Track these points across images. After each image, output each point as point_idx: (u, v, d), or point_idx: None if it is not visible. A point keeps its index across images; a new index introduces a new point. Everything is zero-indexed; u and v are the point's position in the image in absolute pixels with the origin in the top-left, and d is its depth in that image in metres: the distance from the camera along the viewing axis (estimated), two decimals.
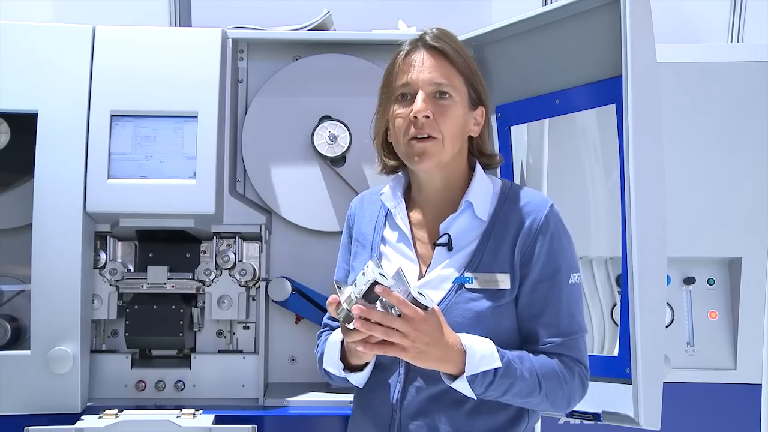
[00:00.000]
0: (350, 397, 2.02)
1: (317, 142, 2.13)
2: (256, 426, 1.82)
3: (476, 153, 1.52)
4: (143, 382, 2.06)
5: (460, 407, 1.39)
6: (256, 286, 2.12)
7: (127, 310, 2.05)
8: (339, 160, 2.16)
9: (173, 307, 2.06)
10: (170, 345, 2.12)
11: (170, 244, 2.13)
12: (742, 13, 2.49)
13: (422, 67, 1.42)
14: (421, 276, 1.45)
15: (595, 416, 1.73)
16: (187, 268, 2.10)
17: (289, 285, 2.10)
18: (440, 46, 1.43)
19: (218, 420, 1.84)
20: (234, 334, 2.15)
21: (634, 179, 1.66)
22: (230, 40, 2.12)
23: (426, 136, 1.40)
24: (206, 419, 1.84)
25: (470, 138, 1.49)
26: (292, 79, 2.20)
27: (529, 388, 1.35)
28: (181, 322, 2.05)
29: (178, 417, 1.83)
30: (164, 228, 2.02)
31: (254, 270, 2.11)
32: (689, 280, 2.28)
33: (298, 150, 2.18)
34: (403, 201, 1.52)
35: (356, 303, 1.24)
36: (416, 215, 1.51)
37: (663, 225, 1.72)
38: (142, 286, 2.06)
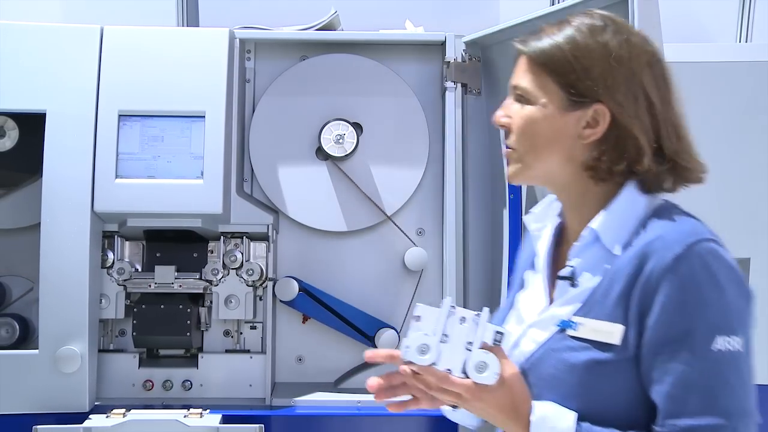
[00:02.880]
0: (357, 397, 2.04)
1: (324, 142, 2.13)
2: (263, 426, 1.82)
3: (595, 166, 1.16)
4: (151, 381, 2.07)
5: None
6: (264, 285, 2.12)
7: (135, 309, 2.06)
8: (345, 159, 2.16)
9: (180, 306, 2.06)
10: (178, 345, 2.12)
11: (178, 243, 2.13)
12: (751, 12, 2.48)
13: (515, 70, 1.23)
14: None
15: None
16: (195, 268, 2.11)
17: (296, 285, 2.11)
18: (522, 46, 1.21)
19: (225, 420, 1.84)
20: (241, 333, 2.15)
21: None
22: (237, 40, 2.12)
23: (507, 146, 1.23)
24: (213, 419, 1.84)
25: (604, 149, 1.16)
26: (300, 79, 2.20)
27: None
28: (188, 322, 2.05)
29: (185, 416, 1.83)
30: (172, 228, 2.02)
31: (261, 270, 2.11)
32: None
33: (306, 150, 2.18)
34: (555, 221, 1.29)
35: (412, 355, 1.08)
36: (566, 240, 1.26)
37: None
38: (150, 285, 2.06)
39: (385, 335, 2.10)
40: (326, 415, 1.99)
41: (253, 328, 2.16)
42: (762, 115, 2.19)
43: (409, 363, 1.09)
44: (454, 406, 1.19)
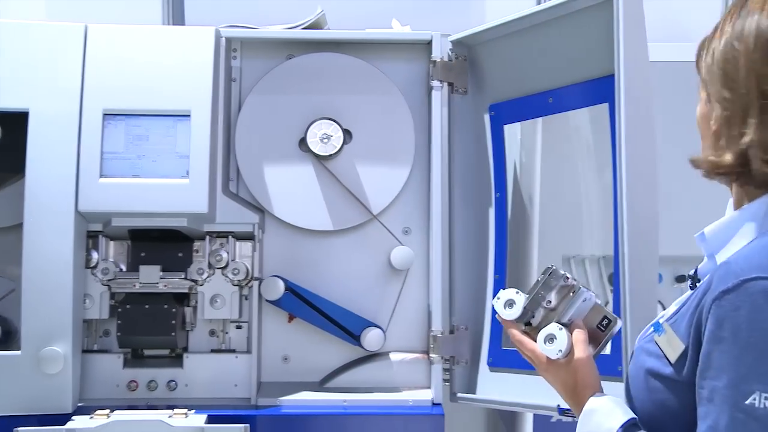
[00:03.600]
0: (344, 396, 2.04)
1: (310, 141, 2.13)
2: (248, 425, 1.82)
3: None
4: (135, 381, 2.06)
5: None
6: (249, 285, 2.11)
7: (119, 309, 2.04)
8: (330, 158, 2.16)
9: (165, 306, 2.05)
10: (162, 345, 2.10)
11: (163, 243, 2.11)
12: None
13: None
14: None
15: None
16: (180, 268, 2.09)
17: (282, 284, 2.10)
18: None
19: (210, 420, 1.83)
20: (227, 333, 2.14)
21: (626, 178, 1.67)
22: (224, 39, 2.11)
23: None
24: (198, 419, 1.83)
25: None
26: (286, 78, 2.19)
27: None
28: (173, 322, 2.04)
29: (170, 417, 1.82)
30: (157, 227, 2.01)
31: (247, 269, 2.10)
32: (681, 278, 2.29)
33: (292, 149, 2.17)
34: None
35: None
36: None
37: (655, 224, 1.72)
38: (135, 285, 2.05)
39: (371, 334, 2.10)
40: (312, 414, 1.99)
41: (239, 327, 2.15)
42: None
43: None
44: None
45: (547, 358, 1.14)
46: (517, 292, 1.20)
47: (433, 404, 2.05)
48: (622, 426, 1.06)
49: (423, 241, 2.19)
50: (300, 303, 2.13)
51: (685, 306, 1.05)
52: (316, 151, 2.12)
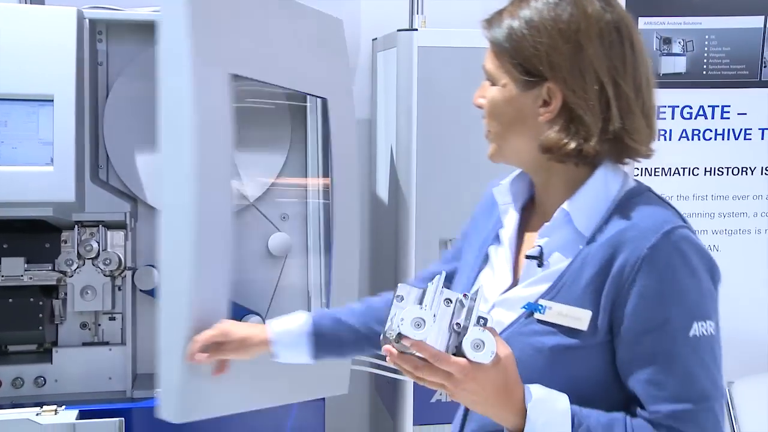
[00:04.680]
0: None
1: None
2: (123, 419, 1.78)
3: (549, 146, 1.13)
4: None
5: None
6: (122, 275, 2.06)
7: None
8: None
9: (32, 300, 1.97)
10: (29, 339, 2.03)
11: (27, 234, 2.02)
12: None
13: None
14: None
15: None
16: (47, 259, 2.02)
17: (157, 273, 2.05)
18: (484, 27, 1.20)
19: (83, 415, 1.78)
20: (99, 325, 2.08)
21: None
22: (87, 20, 2.03)
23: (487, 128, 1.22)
24: (70, 415, 1.77)
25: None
26: (156, 63, 2.13)
27: None
28: (40, 315, 1.97)
29: (38, 414, 1.76)
30: (20, 218, 1.93)
31: (120, 259, 2.04)
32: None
33: None
34: (522, 198, 1.26)
35: (398, 333, 0.99)
36: (536, 219, 1.23)
37: None
38: None
39: (251, 322, 2.09)
40: None
41: (112, 319, 2.09)
42: None
43: (397, 340, 1.00)
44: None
45: (472, 366, 1.00)
46: (422, 308, 1.01)
47: None
48: (568, 402, 1.06)
49: (301, 227, 2.19)
50: None
51: (568, 277, 1.11)
52: None
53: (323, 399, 2.03)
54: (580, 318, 1.08)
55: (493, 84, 1.17)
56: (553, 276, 1.13)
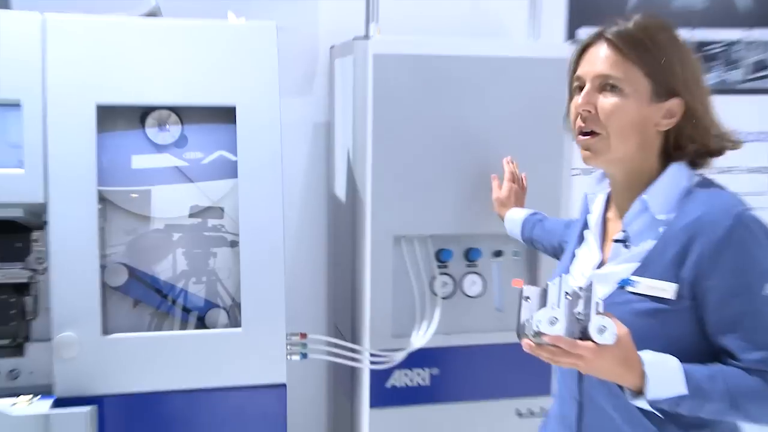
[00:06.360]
0: None
1: (148, 129, 2.17)
2: (97, 406, 1.85)
3: (671, 148, 1.42)
4: None
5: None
6: None
7: None
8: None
9: (4, 296, 2.04)
10: (2, 335, 2.08)
11: None
12: (538, 10, 2.71)
13: (594, 60, 1.39)
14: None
15: None
16: (18, 258, 2.08)
17: (126, 270, 2.13)
18: (615, 39, 1.37)
19: (58, 403, 1.85)
20: None
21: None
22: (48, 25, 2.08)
23: (590, 131, 1.40)
24: (44, 405, 1.84)
25: (669, 132, 1.41)
26: None
27: (723, 409, 1.31)
28: (12, 312, 2.04)
29: (12, 405, 1.82)
30: None
31: None
32: (498, 253, 2.55)
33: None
34: (609, 189, 1.54)
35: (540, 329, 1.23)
36: (614, 209, 1.53)
37: None
38: None
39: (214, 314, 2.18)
40: (162, 391, 2.03)
41: None
42: (551, 108, 2.42)
43: (535, 335, 1.24)
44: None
45: (599, 348, 1.22)
46: (553, 308, 1.24)
47: None
48: (682, 369, 1.29)
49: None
50: (144, 288, 2.18)
51: (654, 255, 1.36)
52: (155, 140, 2.17)
53: (284, 385, 2.11)
54: (665, 289, 1.34)
55: (619, 92, 1.37)
56: (639, 256, 1.39)
